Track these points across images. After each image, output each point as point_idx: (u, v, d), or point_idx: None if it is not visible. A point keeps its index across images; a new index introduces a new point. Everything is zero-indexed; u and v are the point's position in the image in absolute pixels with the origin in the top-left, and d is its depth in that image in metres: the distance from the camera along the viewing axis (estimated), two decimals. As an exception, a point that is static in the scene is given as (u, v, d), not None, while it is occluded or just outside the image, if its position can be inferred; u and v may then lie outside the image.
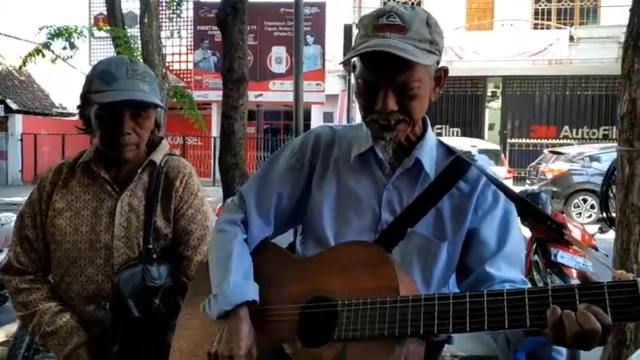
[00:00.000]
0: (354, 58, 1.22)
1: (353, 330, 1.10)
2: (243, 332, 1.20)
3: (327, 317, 1.14)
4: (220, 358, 1.20)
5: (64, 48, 9.99)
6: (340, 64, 1.22)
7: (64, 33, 9.70)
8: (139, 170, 1.68)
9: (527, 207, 1.24)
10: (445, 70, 1.26)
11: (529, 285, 1.23)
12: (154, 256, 1.63)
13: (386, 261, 1.14)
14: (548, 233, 3.91)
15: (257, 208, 1.36)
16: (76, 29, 9.84)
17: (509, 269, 1.22)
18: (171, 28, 15.09)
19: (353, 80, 1.29)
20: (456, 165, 1.27)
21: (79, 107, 1.70)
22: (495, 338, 1.21)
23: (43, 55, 9.90)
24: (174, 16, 12.50)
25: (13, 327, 4.17)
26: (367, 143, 1.29)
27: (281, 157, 1.40)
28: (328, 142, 1.36)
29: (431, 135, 1.32)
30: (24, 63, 10.19)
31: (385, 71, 1.16)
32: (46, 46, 9.84)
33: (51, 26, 9.77)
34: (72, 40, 9.83)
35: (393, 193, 1.27)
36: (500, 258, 1.23)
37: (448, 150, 1.33)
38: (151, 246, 1.63)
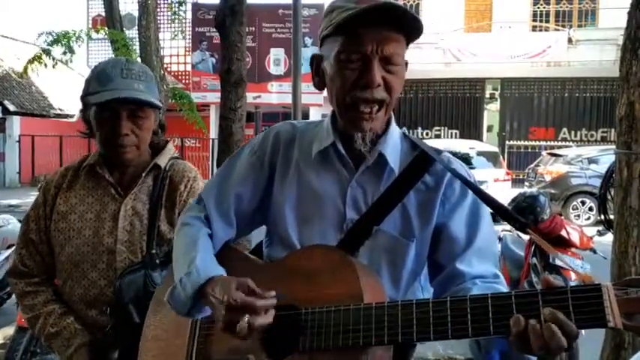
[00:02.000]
0: (329, 44, 1.19)
1: (318, 340, 1.07)
2: (229, 279, 1.14)
3: (292, 327, 1.11)
4: (230, 312, 1.07)
5: (64, 53, 9.99)
6: (323, 33, 1.19)
7: (62, 39, 9.70)
8: (144, 174, 1.68)
9: (491, 202, 1.20)
10: (406, 63, 1.24)
11: (502, 279, 1.21)
12: (157, 261, 1.62)
13: (349, 266, 1.11)
14: (546, 236, 3.91)
15: (217, 210, 1.31)
16: (75, 34, 9.83)
17: (480, 264, 1.19)
18: (169, 29, 15.09)
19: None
20: (421, 158, 1.24)
21: (81, 111, 1.70)
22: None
23: (45, 65, 9.91)
24: (177, 17, 12.49)
25: (10, 330, 4.16)
26: (329, 139, 1.25)
27: (240, 158, 1.35)
28: (289, 140, 1.32)
29: (395, 129, 1.29)
30: (25, 71, 10.20)
31: (374, 41, 1.14)
32: (46, 52, 9.84)
33: (50, 33, 9.77)
34: (70, 45, 9.83)
35: (357, 190, 1.23)
36: (471, 253, 1.20)
37: (413, 144, 1.29)
38: (154, 251, 1.62)
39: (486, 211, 1.24)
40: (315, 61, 1.27)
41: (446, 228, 1.22)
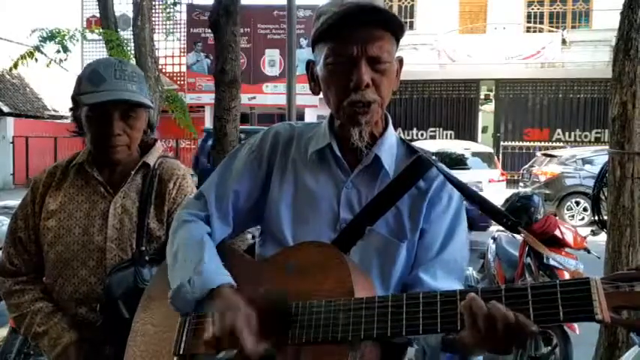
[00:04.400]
0: (318, 49, 1.21)
1: (307, 334, 1.07)
2: (238, 302, 1.13)
3: (282, 320, 1.11)
4: (222, 335, 1.08)
5: (58, 51, 9.94)
6: (312, 39, 1.22)
7: (56, 36, 9.65)
8: (133, 172, 1.69)
9: (489, 207, 1.22)
10: (401, 60, 1.26)
11: None
12: (147, 258, 1.62)
13: (341, 262, 1.11)
14: (540, 236, 3.92)
15: (217, 207, 1.32)
16: (69, 32, 9.79)
17: (444, 278, 1.19)
18: (164, 30, 15.07)
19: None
20: (418, 164, 1.25)
21: (71, 109, 1.70)
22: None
23: (36, 60, 9.84)
24: (169, 17, 12.49)
25: (3, 331, 4.14)
26: (325, 140, 1.27)
27: (239, 155, 1.36)
28: (287, 140, 1.33)
29: (392, 133, 1.30)
30: (15, 65, 10.12)
31: (358, 42, 1.15)
32: (38, 48, 9.79)
33: (43, 29, 9.72)
34: (64, 44, 9.78)
35: (352, 192, 1.25)
36: (436, 264, 1.21)
37: (410, 149, 1.31)
38: (143, 248, 1.63)
39: (463, 227, 1.26)
40: (310, 67, 1.29)
41: (423, 235, 1.24)
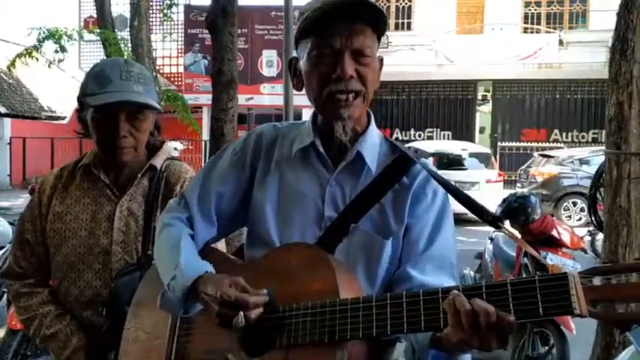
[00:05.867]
0: (302, 45, 1.23)
1: (294, 336, 1.08)
2: (220, 276, 1.15)
3: (270, 324, 1.12)
4: (222, 308, 1.10)
5: (56, 51, 9.94)
6: (296, 36, 1.23)
7: (54, 35, 9.65)
8: (139, 175, 1.68)
9: (471, 203, 1.21)
10: (381, 60, 1.27)
11: None
12: (153, 262, 1.61)
13: (326, 263, 1.12)
14: (537, 236, 3.93)
15: (199, 208, 1.32)
16: (66, 32, 9.79)
17: (434, 273, 1.19)
18: (162, 31, 15.09)
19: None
20: (400, 161, 1.26)
21: (77, 111, 1.69)
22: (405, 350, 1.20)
23: (31, 57, 9.83)
24: (167, 18, 12.50)
25: (0, 332, 4.13)
26: (309, 138, 1.27)
27: (223, 157, 1.36)
28: (271, 141, 1.33)
29: (374, 130, 1.31)
30: (12, 64, 10.10)
31: (342, 35, 1.17)
32: (36, 48, 9.78)
33: (40, 28, 9.71)
34: (62, 43, 9.78)
35: (335, 189, 1.25)
36: (425, 259, 1.21)
37: (393, 146, 1.31)
38: (149, 252, 1.61)
39: (450, 222, 1.27)
40: (293, 64, 1.30)
41: (409, 231, 1.24)
